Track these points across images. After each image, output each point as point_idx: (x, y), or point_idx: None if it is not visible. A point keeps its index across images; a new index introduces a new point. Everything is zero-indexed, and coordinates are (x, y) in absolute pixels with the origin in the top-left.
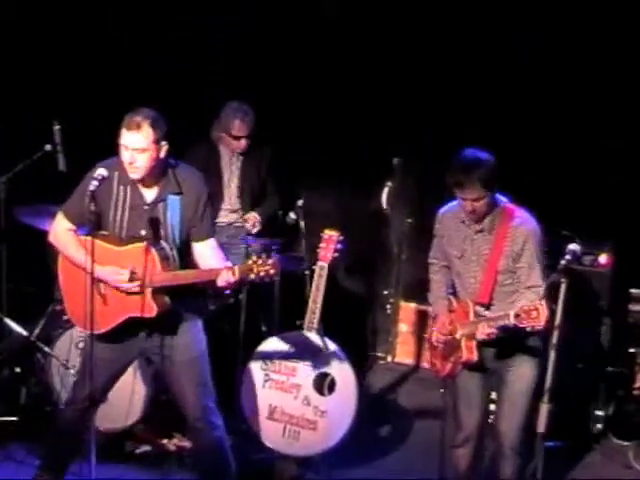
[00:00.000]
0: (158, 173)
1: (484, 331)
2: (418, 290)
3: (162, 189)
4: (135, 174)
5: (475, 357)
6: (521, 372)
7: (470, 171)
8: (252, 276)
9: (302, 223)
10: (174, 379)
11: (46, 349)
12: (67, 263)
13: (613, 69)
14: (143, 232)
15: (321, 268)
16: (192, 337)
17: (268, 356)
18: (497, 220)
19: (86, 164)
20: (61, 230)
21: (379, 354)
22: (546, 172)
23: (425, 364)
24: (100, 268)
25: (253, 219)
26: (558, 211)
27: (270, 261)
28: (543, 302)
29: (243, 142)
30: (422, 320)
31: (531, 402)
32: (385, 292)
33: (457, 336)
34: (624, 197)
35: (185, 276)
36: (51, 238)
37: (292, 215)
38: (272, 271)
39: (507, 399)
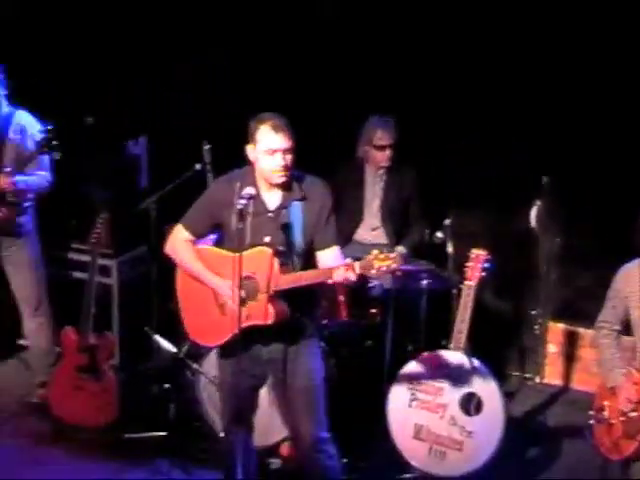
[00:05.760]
0: None
1: None
2: (567, 310)
3: (285, 195)
4: (284, 177)
5: None
6: None
7: None
8: (373, 271)
9: (449, 242)
10: (289, 405)
11: (194, 366)
12: (184, 275)
13: None
14: (267, 239)
15: (468, 287)
16: (313, 365)
17: (414, 376)
18: None
19: None
20: (179, 241)
21: (527, 375)
22: None
23: (575, 386)
24: (216, 279)
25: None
26: None
27: (392, 255)
28: None
29: (387, 152)
30: (571, 341)
31: None
32: (533, 312)
33: None
34: None
35: (304, 277)
36: (167, 249)
37: (439, 234)
38: (394, 265)
39: None
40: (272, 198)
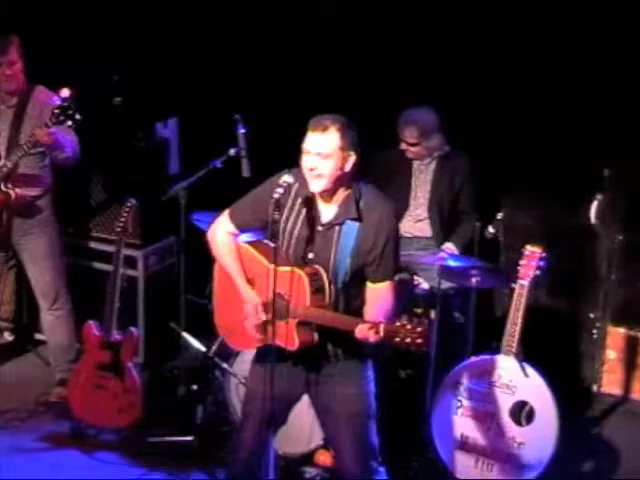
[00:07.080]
0: (340, 190)
1: None
2: (628, 313)
3: (341, 211)
4: (316, 184)
5: None
6: None
7: None
8: (397, 339)
9: (502, 237)
10: (330, 431)
11: (224, 366)
12: (222, 268)
13: None
14: (310, 255)
15: (521, 287)
16: (357, 388)
17: (461, 381)
18: None
19: (271, 170)
20: (220, 231)
21: (583, 383)
22: None
23: (635, 396)
24: (246, 291)
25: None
26: None
27: (419, 329)
28: None
29: (416, 149)
30: (632, 347)
31: None
32: (591, 315)
33: None
34: None
35: (329, 318)
36: (209, 236)
37: (491, 229)
38: (420, 341)
39: None
40: (327, 211)
